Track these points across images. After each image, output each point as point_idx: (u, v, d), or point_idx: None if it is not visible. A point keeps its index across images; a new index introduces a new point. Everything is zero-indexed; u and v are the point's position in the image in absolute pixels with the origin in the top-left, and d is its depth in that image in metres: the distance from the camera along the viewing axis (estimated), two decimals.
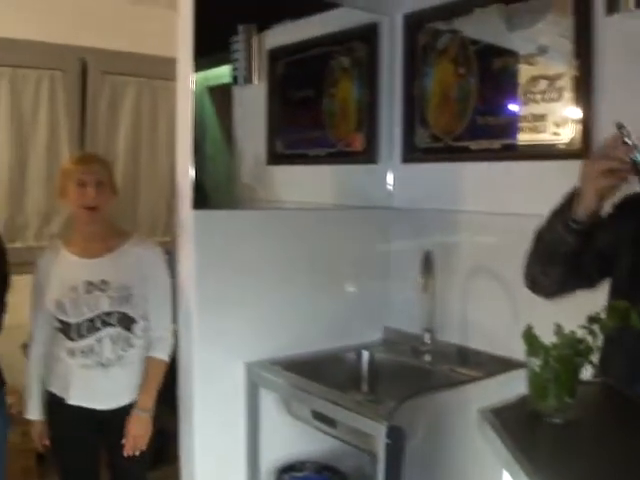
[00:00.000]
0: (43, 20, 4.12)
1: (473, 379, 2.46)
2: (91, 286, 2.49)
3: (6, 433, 2.57)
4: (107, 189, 2.56)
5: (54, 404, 2.58)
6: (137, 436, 2.50)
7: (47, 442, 2.64)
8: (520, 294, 2.00)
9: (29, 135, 4.37)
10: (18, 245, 4.07)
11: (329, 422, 2.32)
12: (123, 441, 2.50)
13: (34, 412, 2.62)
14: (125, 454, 2.50)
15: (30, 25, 4.07)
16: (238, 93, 3.59)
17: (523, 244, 1.82)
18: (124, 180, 4.60)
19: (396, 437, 2.00)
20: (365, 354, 2.87)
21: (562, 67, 2.41)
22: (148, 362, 2.56)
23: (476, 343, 2.68)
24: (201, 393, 2.60)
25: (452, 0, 2.76)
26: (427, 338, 2.73)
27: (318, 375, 2.47)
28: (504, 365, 2.44)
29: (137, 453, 2.51)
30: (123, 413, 2.52)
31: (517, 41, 2.57)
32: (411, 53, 2.97)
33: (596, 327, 1.30)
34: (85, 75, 4.50)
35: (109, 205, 2.59)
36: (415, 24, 2.94)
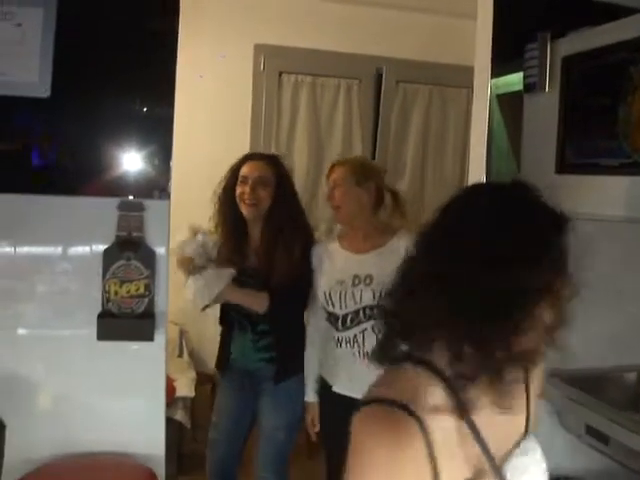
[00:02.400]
0: (343, 32, 4.40)
1: None
2: (357, 279, 2.60)
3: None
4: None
5: (324, 389, 2.73)
6: None
7: (318, 429, 2.80)
8: None
9: (325, 140, 4.68)
10: None
11: (602, 438, 2.25)
12: None
13: (310, 394, 2.80)
14: None
15: (332, 37, 4.37)
16: (528, 100, 3.55)
17: None
18: (411, 184, 4.77)
19: None
20: None
21: None
22: None
23: None
24: None
25: None
26: None
27: (596, 391, 2.40)
28: None
29: None
30: None
31: None
32: None
33: None
34: (379, 83, 4.73)
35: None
36: None
